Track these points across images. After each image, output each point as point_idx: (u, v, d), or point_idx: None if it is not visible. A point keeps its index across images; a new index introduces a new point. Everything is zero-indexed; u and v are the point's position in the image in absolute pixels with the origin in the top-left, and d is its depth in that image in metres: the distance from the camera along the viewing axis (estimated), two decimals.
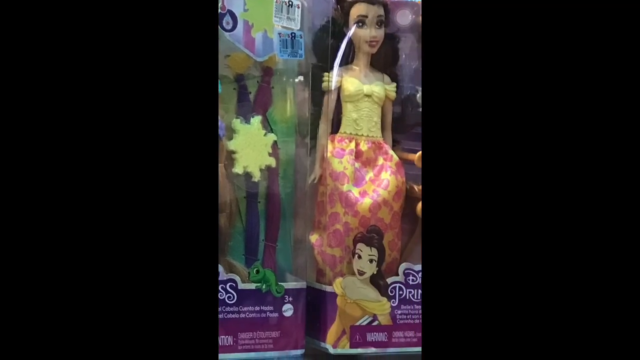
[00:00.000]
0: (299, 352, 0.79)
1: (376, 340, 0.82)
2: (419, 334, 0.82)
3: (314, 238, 0.83)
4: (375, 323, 0.82)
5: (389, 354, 0.83)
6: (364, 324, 0.81)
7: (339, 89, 0.85)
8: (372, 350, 0.82)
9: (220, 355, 0.74)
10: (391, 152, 0.85)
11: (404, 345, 0.83)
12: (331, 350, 0.80)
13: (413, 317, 0.82)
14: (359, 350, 0.81)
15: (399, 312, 0.82)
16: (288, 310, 0.78)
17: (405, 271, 0.82)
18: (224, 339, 0.75)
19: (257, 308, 0.77)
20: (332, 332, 0.80)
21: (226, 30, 0.77)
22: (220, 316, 0.74)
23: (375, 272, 0.81)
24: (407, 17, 0.88)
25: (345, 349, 0.81)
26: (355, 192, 0.82)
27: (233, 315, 0.76)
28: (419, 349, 0.83)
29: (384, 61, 0.86)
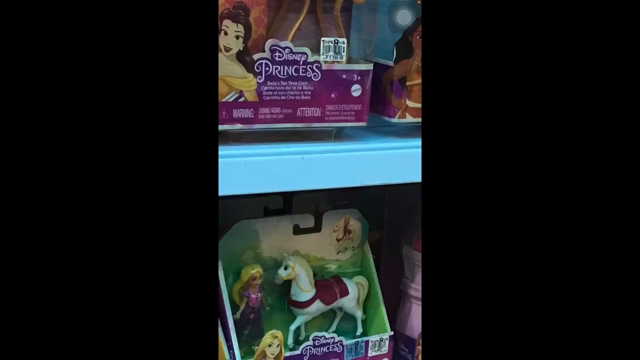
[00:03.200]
0: None
1: (243, 116, 0.88)
2: (285, 110, 0.90)
3: None
4: (241, 99, 0.87)
5: (255, 130, 0.90)
6: (231, 100, 0.87)
7: None
8: (238, 126, 0.88)
9: None
10: None
11: (270, 121, 0.89)
12: None
13: (279, 93, 0.89)
14: (226, 127, 0.87)
15: (265, 88, 0.88)
16: None
17: (272, 47, 0.87)
18: None
19: None
20: None
21: None
22: None
23: (241, 49, 0.86)
24: (407, 17, 0.92)
25: None
26: None
27: None
28: (285, 125, 0.90)
29: None
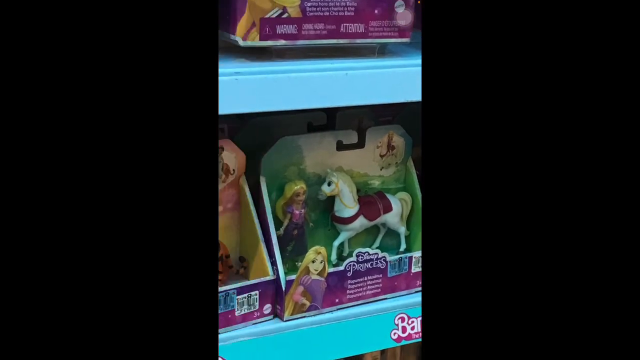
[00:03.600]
0: None
1: (286, 32, 0.88)
2: (329, 26, 0.89)
3: None
4: (284, 15, 0.87)
5: (298, 47, 0.90)
6: (274, 16, 0.86)
7: None
8: (281, 42, 0.88)
9: None
10: None
11: (313, 37, 0.89)
12: (241, 43, 0.86)
13: (322, 9, 0.88)
14: (269, 43, 0.87)
15: (309, 4, 0.87)
16: None
17: None
18: None
19: None
20: (242, 24, 0.85)
21: None
22: None
23: None
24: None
25: (255, 41, 0.86)
26: None
27: None
28: (328, 40, 0.90)
29: None
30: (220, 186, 0.99)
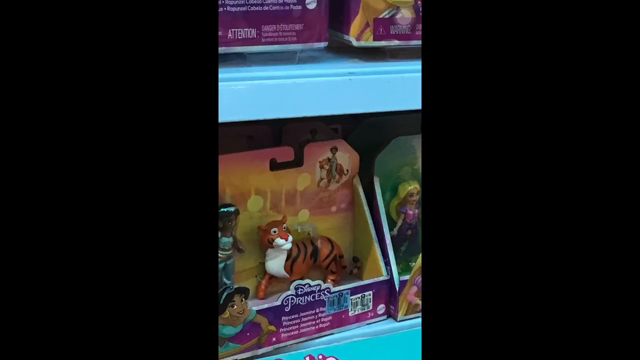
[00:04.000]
0: (323, 44, 0.85)
1: (399, 32, 0.88)
2: None
3: None
4: (398, 16, 0.87)
5: (412, 47, 0.89)
6: (388, 16, 0.86)
7: None
8: (395, 42, 0.88)
9: (246, 48, 0.81)
10: None
11: None
12: (355, 43, 0.86)
13: None
14: (383, 43, 0.87)
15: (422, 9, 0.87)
16: (312, 2, 0.83)
17: None
18: (247, 32, 0.81)
19: (280, 0, 0.81)
20: (356, 24, 0.86)
21: None
22: (243, 9, 0.80)
23: None
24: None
25: (368, 42, 0.87)
26: None
27: (257, 8, 0.81)
28: None
29: None
30: (334, 186, 1.00)
